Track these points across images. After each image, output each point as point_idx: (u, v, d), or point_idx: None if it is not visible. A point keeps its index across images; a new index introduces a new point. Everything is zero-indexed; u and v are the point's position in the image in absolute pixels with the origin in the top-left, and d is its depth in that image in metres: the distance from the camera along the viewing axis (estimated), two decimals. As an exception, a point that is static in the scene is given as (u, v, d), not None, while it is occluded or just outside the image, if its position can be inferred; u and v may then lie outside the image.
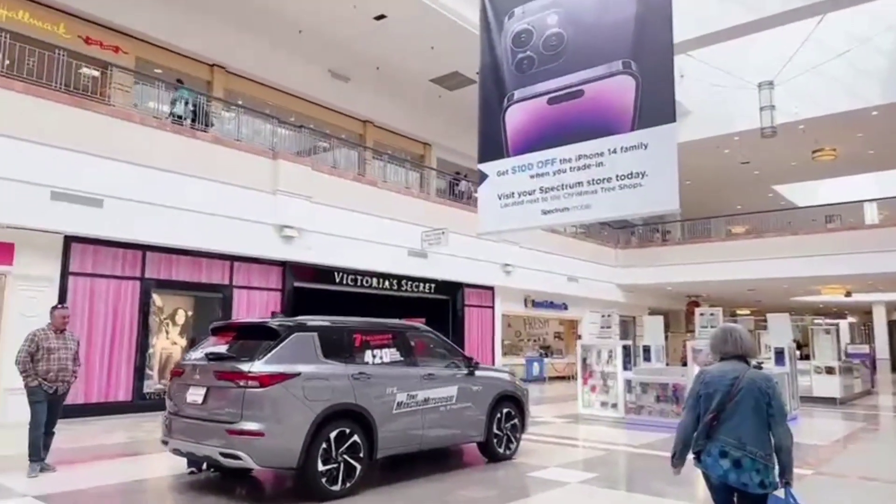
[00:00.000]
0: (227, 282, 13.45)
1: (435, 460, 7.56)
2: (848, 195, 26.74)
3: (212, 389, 5.64)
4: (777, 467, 3.28)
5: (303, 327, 5.98)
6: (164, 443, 6.10)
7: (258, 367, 5.50)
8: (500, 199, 11.08)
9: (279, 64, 17.76)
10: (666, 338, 28.13)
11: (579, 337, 25.11)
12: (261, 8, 16.03)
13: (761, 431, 3.28)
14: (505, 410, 7.72)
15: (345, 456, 5.82)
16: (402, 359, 6.65)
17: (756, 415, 3.28)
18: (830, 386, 15.28)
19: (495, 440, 7.55)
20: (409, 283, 17.58)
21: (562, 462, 7.80)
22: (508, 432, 7.76)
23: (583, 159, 10.10)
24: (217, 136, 13.27)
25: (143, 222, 11.51)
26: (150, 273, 12.18)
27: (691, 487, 6.24)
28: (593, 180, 9.94)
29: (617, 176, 9.67)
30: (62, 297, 10.76)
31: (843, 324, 22.21)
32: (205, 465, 6.59)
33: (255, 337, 5.91)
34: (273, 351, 5.66)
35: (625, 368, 11.85)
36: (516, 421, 7.88)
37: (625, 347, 11.89)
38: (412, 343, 6.99)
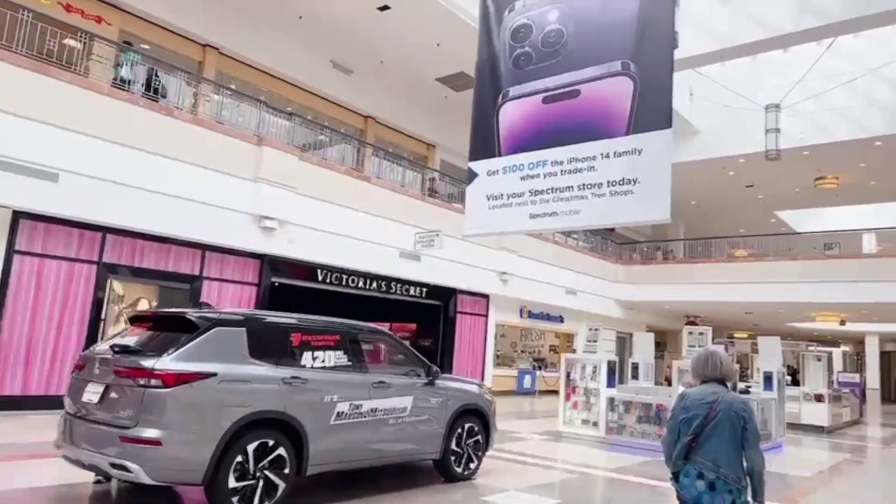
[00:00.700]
0: (196, 272, 12.81)
1: (381, 478, 6.92)
2: (849, 225, 26.31)
3: (110, 387, 4.96)
4: (749, 489, 3.35)
5: (227, 321, 5.34)
6: (58, 447, 5.33)
7: (164, 363, 4.83)
8: (488, 199, 10.44)
9: (277, 49, 17.20)
10: (662, 356, 27.58)
11: (574, 351, 24.50)
12: (259, -12, 15.54)
13: (735, 454, 3.34)
14: (467, 425, 7.07)
15: (266, 472, 5.17)
16: (348, 363, 6.01)
17: (731, 438, 3.34)
18: (819, 414, 14.91)
19: (453, 458, 6.90)
20: (400, 285, 16.95)
21: (525, 485, 7.14)
22: (470, 450, 7.11)
23: (574, 162, 9.48)
24: (196, 117, 12.70)
25: (103, 202, 10.76)
26: (110, 257, 11.47)
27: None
28: (584, 185, 9.32)
29: (608, 182, 9.04)
30: (4, 276, 10.11)
31: (837, 352, 21.65)
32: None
33: (173, 329, 5.25)
34: (186, 346, 5.00)
35: (609, 385, 11.17)
36: (479, 438, 7.23)
37: (609, 363, 11.21)
38: (364, 346, 6.36)
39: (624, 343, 24.88)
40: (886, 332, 29.23)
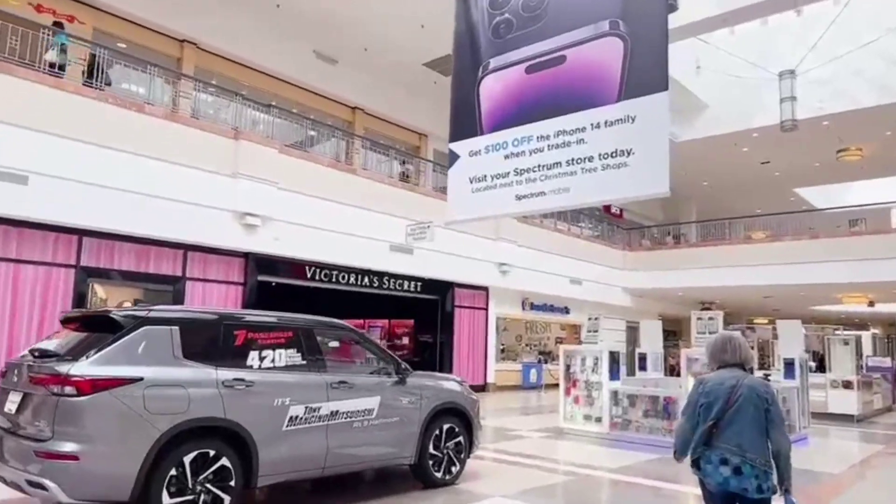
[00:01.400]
0: (179, 273, 12.25)
1: (353, 485, 6.24)
2: (875, 199, 24.99)
3: (27, 396, 4.38)
4: (775, 473, 3.28)
5: (156, 319, 4.68)
6: None
7: (80, 368, 4.21)
8: (470, 182, 9.72)
9: (257, 41, 16.60)
10: (676, 345, 26.65)
11: (580, 343, 23.72)
12: (233, -22, 14.92)
13: (760, 438, 3.28)
14: (446, 426, 6.38)
15: (207, 485, 4.52)
16: (303, 363, 5.33)
17: (755, 421, 3.28)
18: (847, 402, 13.83)
19: (431, 462, 6.20)
20: (393, 280, 16.28)
21: (515, 490, 6.42)
22: (451, 452, 6.42)
23: (562, 136, 8.73)
24: (169, 112, 12.08)
25: (77, 203, 10.36)
26: (88, 261, 11.00)
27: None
28: (573, 160, 8.57)
29: (600, 155, 8.29)
30: (-25, 283, 9.64)
31: (866, 335, 20.46)
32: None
33: (99, 330, 4.62)
34: (108, 348, 4.37)
35: (613, 378, 10.43)
36: (461, 439, 6.52)
37: (612, 354, 10.46)
38: (322, 344, 5.68)
39: (635, 333, 24.05)
40: (919, 313, 27.75)
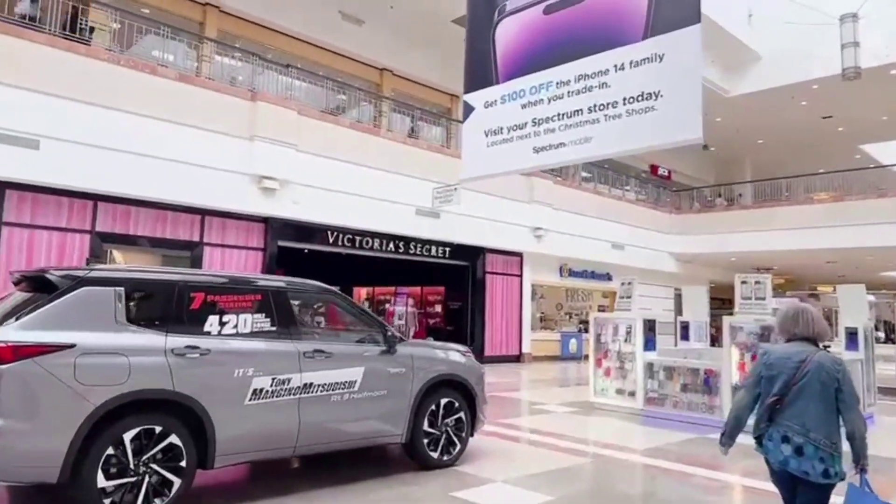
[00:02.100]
0: (196, 238, 11.97)
1: (342, 465, 5.72)
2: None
3: (-46, 366, 3.96)
4: (851, 455, 3.07)
5: (97, 279, 4.19)
6: None
7: (3, 333, 3.76)
8: (486, 136, 8.99)
9: (281, 4, 15.99)
10: (729, 314, 25.31)
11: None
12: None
13: (828, 418, 3.10)
14: (444, 401, 5.78)
15: (153, 465, 4.06)
16: (272, 329, 4.80)
17: (822, 400, 3.10)
18: (920, 375, 12.54)
19: (427, 441, 5.63)
20: (420, 246, 15.70)
21: (521, 474, 5.79)
22: (450, 430, 5.83)
23: (583, 80, 7.90)
24: (183, 74, 11.67)
25: (90, 168, 10.16)
26: (103, 226, 10.81)
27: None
28: (595, 106, 7.74)
29: (624, 99, 7.45)
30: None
31: (941, 303, 18.84)
32: None
33: (38, 291, 4.16)
34: (37, 311, 3.92)
35: (649, 348, 9.63)
36: (462, 415, 5.92)
37: (646, 322, 9.65)
38: (297, 308, 5.13)
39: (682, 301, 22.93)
40: None
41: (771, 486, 3.43)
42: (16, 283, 4.62)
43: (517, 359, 18.02)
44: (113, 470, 3.92)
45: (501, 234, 16.96)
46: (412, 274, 18.06)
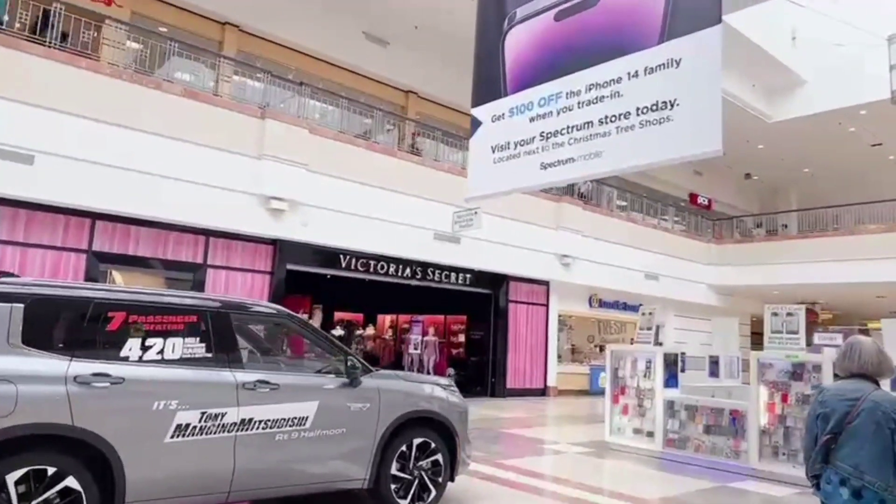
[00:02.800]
0: (200, 260, 11.58)
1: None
2: None
3: None
4: None
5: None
6: None
7: None
8: (493, 151, 8.35)
9: (303, 23, 15.84)
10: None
11: (659, 344, 21.62)
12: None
13: (883, 460, 2.90)
14: (417, 441, 5.09)
15: (41, 513, 3.47)
16: (206, 355, 4.21)
17: (877, 441, 2.91)
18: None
19: (395, 486, 4.93)
20: (438, 272, 15.07)
21: (505, 527, 5.04)
22: (425, 474, 5.12)
23: (594, 90, 7.20)
24: (188, 90, 11.41)
25: (87, 185, 9.89)
26: (100, 245, 10.49)
27: None
28: (607, 118, 7.04)
29: (638, 109, 6.72)
30: (-15, 268, 9.27)
31: None
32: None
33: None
34: None
35: (670, 385, 8.75)
36: (438, 457, 5.21)
37: (667, 356, 8.79)
38: (240, 332, 4.54)
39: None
40: None
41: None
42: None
43: (542, 392, 17.10)
44: (-10, 521, 3.36)
45: (526, 262, 16.24)
46: (434, 302, 17.39)
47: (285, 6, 15.48)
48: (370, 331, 18.93)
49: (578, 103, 7.36)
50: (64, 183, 9.69)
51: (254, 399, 4.24)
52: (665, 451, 8.41)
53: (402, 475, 4.97)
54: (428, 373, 16.47)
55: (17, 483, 3.41)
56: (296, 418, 4.40)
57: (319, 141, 12.68)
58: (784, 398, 7.50)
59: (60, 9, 10.38)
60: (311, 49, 16.43)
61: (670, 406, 8.51)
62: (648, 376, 8.80)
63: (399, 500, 4.93)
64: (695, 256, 21.58)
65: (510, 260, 15.85)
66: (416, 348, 15.03)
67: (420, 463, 5.10)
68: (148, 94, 10.62)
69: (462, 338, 18.29)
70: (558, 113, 7.59)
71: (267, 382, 4.34)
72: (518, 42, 8.26)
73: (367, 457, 4.76)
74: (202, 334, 4.23)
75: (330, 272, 13.60)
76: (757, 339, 16.60)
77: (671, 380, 8.83)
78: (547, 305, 17.51)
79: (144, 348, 3.98)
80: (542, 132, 7.72)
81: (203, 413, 4.02)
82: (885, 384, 8.52)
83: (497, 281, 16.23)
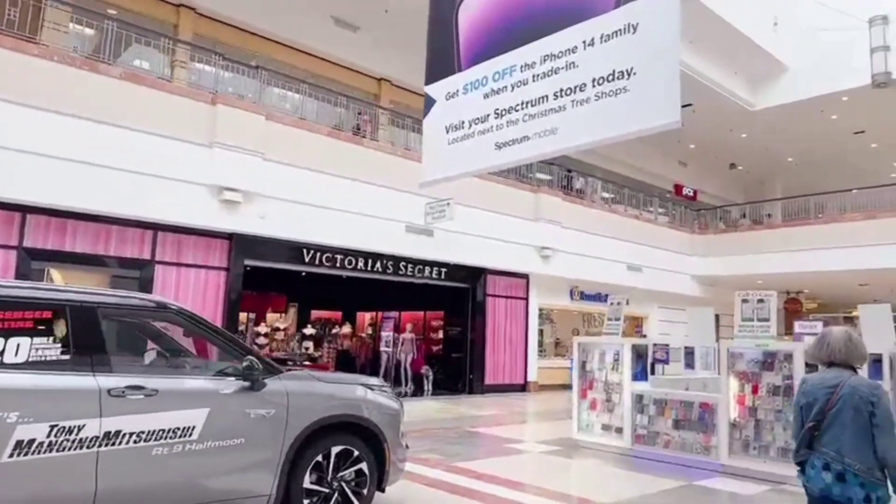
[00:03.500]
0: (147, 256, 10.91)
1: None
2: None
3: None
4: (889, 482, 3.01)
5: None
6: None
7: None
8: (447, 132, 7.78)
9: (266, 7, 15.13)
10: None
11: (643, 337, 21.12)
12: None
13: (862, 443, 3.03)
14: (337, 449, 4.49)
15: None
16: (63, 358, 3.60)
17: (856, 425, 3.05)
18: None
19: (309, 501, 4.33)
20: (411, 266, 14.46)
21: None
22: (346, 485, 4.53)
23: (550, 61, 6.65)
24: (131, 73, 10.73)
25: (16, 176, 9.17)
26: (33, 241, 9.76)
27: None
28: (562, 91, 6.49)
29: (594, 80, 6.19)
30: None
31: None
32: None
33: None
34: None
35: (640, 378, 8.20)
36: (363, 466, 4.62)
37: (636, 348, 8.23)
38: (109, 329, 3.92)
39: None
40: None
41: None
42: None
43: (523, 388, 16.55)
44: None
45: (504, 254, 15.66)
46: (413, 298, 16.85)
47: (246, -11, 14.82)
48: (346, 329, 18.31)
49: (533, 76, 6.81)
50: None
51: (123, 408, 3.63)
52: (634, 447, 7.86)
53: (318, 488, 4.38)
54: (405, 371, 15.90)
55: None
56: (178, 429, 3.80)
57: (277, 128, 12.04)
58: (755, 389, 6.99)
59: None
60: (276, 35, 15.79)
61: (639, 400, 7.96)
62: (617, 369, 8.23)
63: (313, 517, 4.34)
64: (678, 247, 21.10)
65: (487, 253, 15.29)
66: (388, 345, 14.41)
67: (341, 474, 4.51)
68: (83, 76, 9.91)
69: (442, 334, 17.72)
70: (513, 88, 7.03)
71: (141, 388, 3.73)
72: (472, 13, 7.68)
73: (272, 469, 4.16)
74: (59, 332, 3.61)
75: (293, 267, 12.97)
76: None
77: (641, 373, 8.28)
78: (527, 299, 16.96)
79: (-17, 349, 3.37)
80: (497, 109, 7.16)
81: (53, 426, 3.40)
82: (865, 371, 8.06)
83: (474, 275, 15.66)
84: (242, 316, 17.99)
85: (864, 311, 9.26)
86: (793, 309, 25.12)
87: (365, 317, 20.70)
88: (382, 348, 14.60)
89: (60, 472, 3.43)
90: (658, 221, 21.26)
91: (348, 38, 16.78)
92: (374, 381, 5.09)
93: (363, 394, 4.79)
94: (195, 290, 11.34)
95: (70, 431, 3.45)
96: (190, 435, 3.84)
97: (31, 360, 3.49)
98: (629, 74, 5.86)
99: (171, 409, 3.80)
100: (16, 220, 9.64)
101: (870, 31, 15.76)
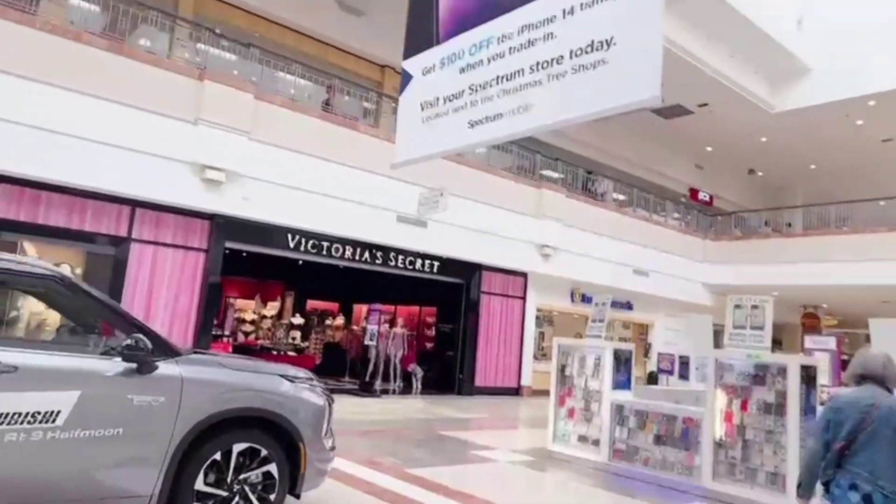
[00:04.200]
0: (124, 233, 10.53)
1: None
2: None
3: None
4: None
5: None
6: None
7: None
8: (422, 109, 7.19)
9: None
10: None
11: (648, 346, 20.40)
12: None
13: None
14: (240, 447, 3.97)
15: None
16: None
17: (893, 447, 2.99)
18: None
19: (205, 506, 3.82)
20: (402, 258, 13.94)
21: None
22: (250, 489, 4.00)
23: (527, 32, 6.04)
24: (113, 43, 10.33)
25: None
26: (4, 212, 9.42)
27: None
28: (538, 64, 5.88)
29: (571, 52, 5.57)
30: None
31: None
32: None
33: None
34: None
35: (622, 386, 7.58)
36: (272, 468, 4.09)
37: (618, 353, 7.61)
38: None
39: (720, 337, 20.35)
40: None
41: None
42: None
43: (516, 392, 15.95)
44: None
45: (501, 250, 15.10)
46: (406, 291, 16.34)
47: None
48: (339, 321, 17.84)
49: (510, 49, 6.20)
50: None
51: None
52: (611, 463, 7.26)
53: (214, 491, 3.86)
54: (394, 368, 15.37)
55: None
56: (39, 413, 3.30)
57: (267, 108, 11.61)
58: (744, 405, 6.33)
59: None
60: (279, 17, 15.40)
61: (619, 411, 7.34)
62: (597, 375, 7.62)
63: (208, 525, 3.81)
64: (690, 253, 20.33)
65: (484, 248, 14.73)
66: (372, 339, 13.88)
67: (245, 475, 3.98)
68: (65, 45, 9.57)
69: (434, 332, 17.18)
70: (489, 62, 6.43)
71: (-11, 363, 3.23)
72: (453, -19, 7.11)
73: (156, 466, 3.65)
74: None
75: (276, 252, 12.51)
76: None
77: (625, 381, 7.65)
78: (524, 299, 16.35)
79: None
80: (472, 85, 6.56)
81: None
82: None
83: (469, 270, 15.10)
84: (239, 303, 17.70)
85: (876, 326, 8.56)
86: (810, 325, 24.15)
87: (362, 309, 20.25)
88: (367, 342, 14.07)
89: None
90: (668, 224, 20.48)
91: (353, 22, 16.31)
92: (299, 372, 4.56)
93: (279, 386, 4.25)
94: (172, 270, 10.94)
95: None
96: (53, 421, 3.34)
97: None
98: (608, 45, 5.25)
99: (31, 389, 3.30)
100: (-18, 189, 9.29)
101: (899, 32, 14.91)
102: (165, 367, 3.75)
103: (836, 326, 25.80)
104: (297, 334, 16.27)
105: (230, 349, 12.93)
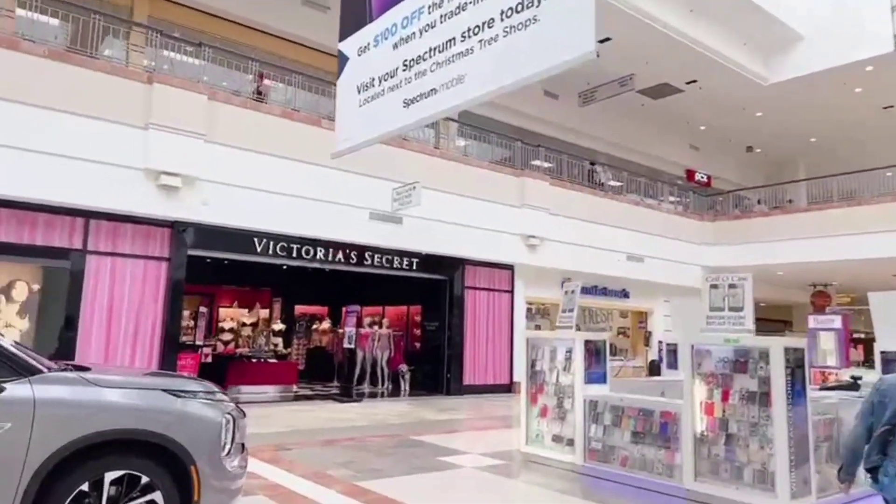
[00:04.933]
0: (78, 246, 10.08)
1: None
2: None
3: None
4: None
5: None
6: None
7: None
8: (358, 92, 6.70)
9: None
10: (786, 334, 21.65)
11: (648, 334, 19.79)
12: None
13: None
14: (114, 475, 3.45)
15: None
16: None
17: None
18: None
19: (67, 544, 3.29)
20: (378, 256, 13.41)
21: None
22: (127, 523, 3.48)
23: (456, -2, 5.53)
24: (58, 51, 9.86)
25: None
26: (-58, 228, 9.01)
27: None
28: (469, 31, 5.35)
29: (502, 13, 5.05)
30: None
31: None
32: None
33: None
34: None
35: (596, 380, 7.01)
36: (158, 496, 3.56)
37: (591, 344, 7.04)
38: None
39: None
40: None
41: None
42: None
43: (508, 389, 15.37)
44: None
45: (484, 243, 14.54)
46: (391, 291, 15.85)
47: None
48: (325, 325, 17.36)
49: (441, 17, 5.65)
50: None
51: None
52: (586, 464, 6.67)
53: (83, 528, 3.34)
54: (381, 370, 14.87)
55: None
56: None
57: (222, 108, 11.14)
58: (725, 396, 5.72)
59: None
60: (238, 16, 14.86)
61: (593, 407, 6.77)
62: (569, 369, 7.05)
63: (75, 564, 3.30)
64: (687, 236, 19.64)
65: (465, 242, 14.18)
66: (350, 342, 13.37)
67: (120, 508, 3.46)
68: (2, 55, 9.13)
69: (419, 332, 16.66)
70: (421, 33, 5.88)
71: None
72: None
73: (5, 502, 3.13)
74: None
75: (243, 258, 12.03)
76: (762, 327, 14.67)
77: (601, 375, 7.09)
78: (512, 292, 15.77)
79: None
80: (405, 60, 6.03)
81: None
82: (877, 371, 6.75)
83: (452, 265, 14.54)
84: (226, 312, 17.28)
85: (876, 299, 7.93)
86: (820, 304, 23.30)
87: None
88: (346, 344, 13.55)
89: None
90: (662, 207, 19.80)
91: (318, 18, 15.76)
92: (193, 385, 4.03)
93: (161, 403, 3.72)
94: (132, 281, 10.47)
95: None
96: None
97: None
98: (538, 3, 4.71)
99: None
100: (-82, 207, 8.86)
101: (891, -9, 14.24)
102: (14, 389, 3.23)
103: (849, 304, 25.01)
104: (279, 340, 15.77)
105: (198, 360, 12.41)
